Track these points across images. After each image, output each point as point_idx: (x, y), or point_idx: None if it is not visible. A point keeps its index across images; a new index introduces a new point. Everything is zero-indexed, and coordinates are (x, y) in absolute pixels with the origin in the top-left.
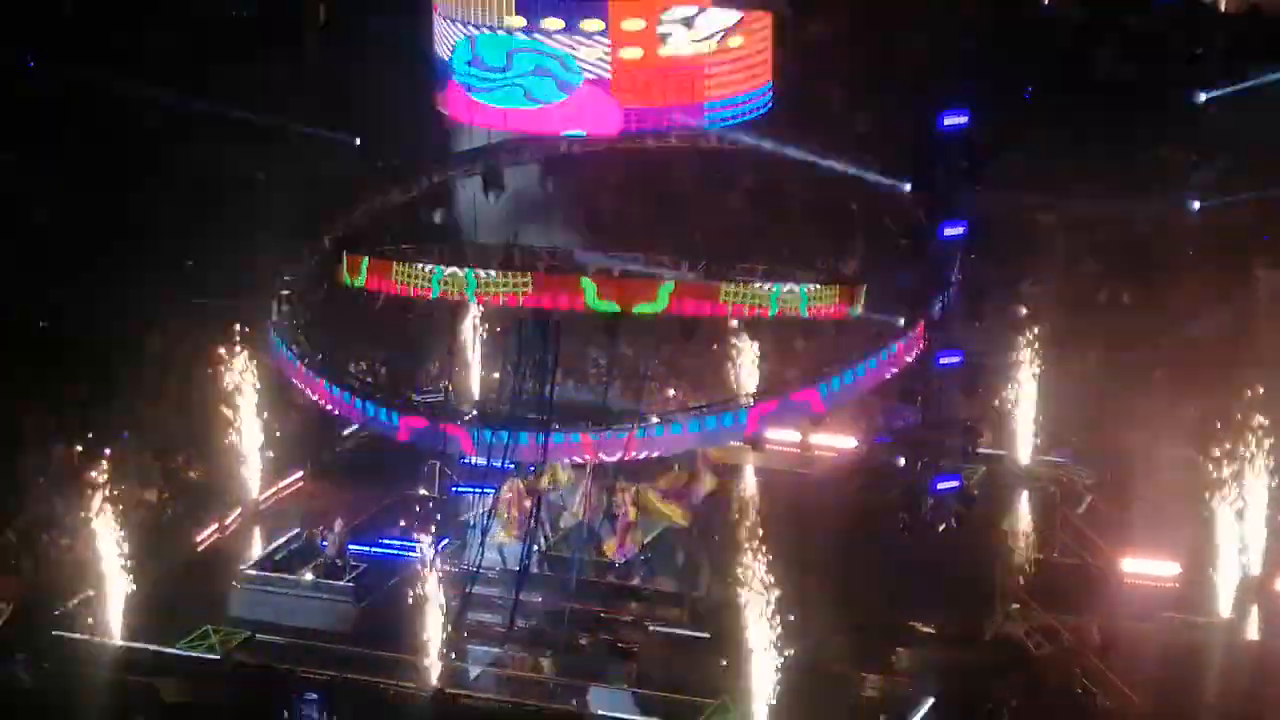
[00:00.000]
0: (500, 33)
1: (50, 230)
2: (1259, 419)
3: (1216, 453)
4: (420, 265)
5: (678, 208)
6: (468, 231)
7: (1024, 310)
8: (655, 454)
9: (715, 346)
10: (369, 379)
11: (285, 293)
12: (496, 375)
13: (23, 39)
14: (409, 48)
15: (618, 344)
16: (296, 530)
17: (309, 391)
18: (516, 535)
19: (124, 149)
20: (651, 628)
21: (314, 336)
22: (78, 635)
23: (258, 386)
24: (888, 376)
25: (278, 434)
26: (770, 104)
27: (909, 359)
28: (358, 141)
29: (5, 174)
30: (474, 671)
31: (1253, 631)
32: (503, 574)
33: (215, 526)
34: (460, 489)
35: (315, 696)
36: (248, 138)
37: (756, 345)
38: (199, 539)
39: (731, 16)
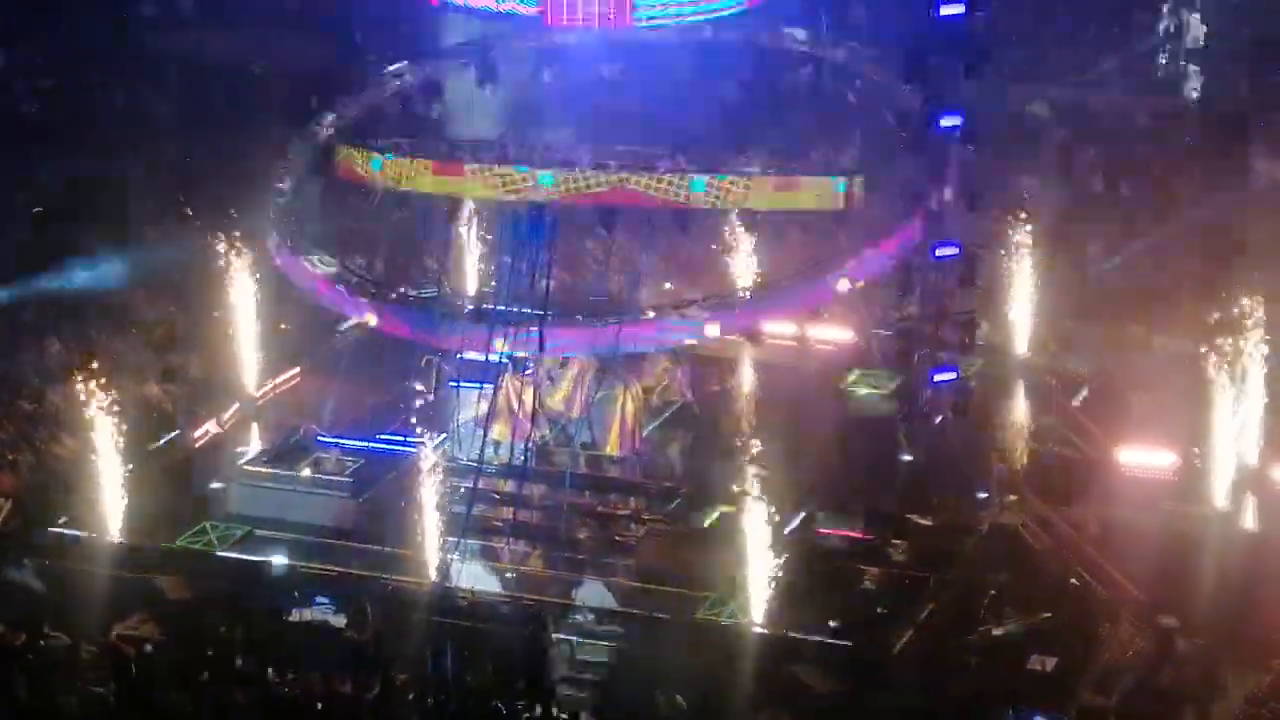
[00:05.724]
0: None
1: (40, 121)
2: (1256, 309)
3: (1213, 343)
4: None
5: (672, 99)
6: (463, 125)
7: (1021, 201)
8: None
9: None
10: (365, 274)
11: (281, 186)
12: (493, 269)
13: None
14: None
15: (614, 236)
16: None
17: (305, 286)
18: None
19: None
20: (648, 521)
21: (310, 231)
22: (76, 532)
23: (254, 282)
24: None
25: (275, 330)
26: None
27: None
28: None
29: None
30: (472, 566)
31: (1249, 522)
32: (500, 469)
33: (213, 423)
34: (457, 384)
35: (313, 591)
36: (240, 28)
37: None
38: (196, 435)
39: None
